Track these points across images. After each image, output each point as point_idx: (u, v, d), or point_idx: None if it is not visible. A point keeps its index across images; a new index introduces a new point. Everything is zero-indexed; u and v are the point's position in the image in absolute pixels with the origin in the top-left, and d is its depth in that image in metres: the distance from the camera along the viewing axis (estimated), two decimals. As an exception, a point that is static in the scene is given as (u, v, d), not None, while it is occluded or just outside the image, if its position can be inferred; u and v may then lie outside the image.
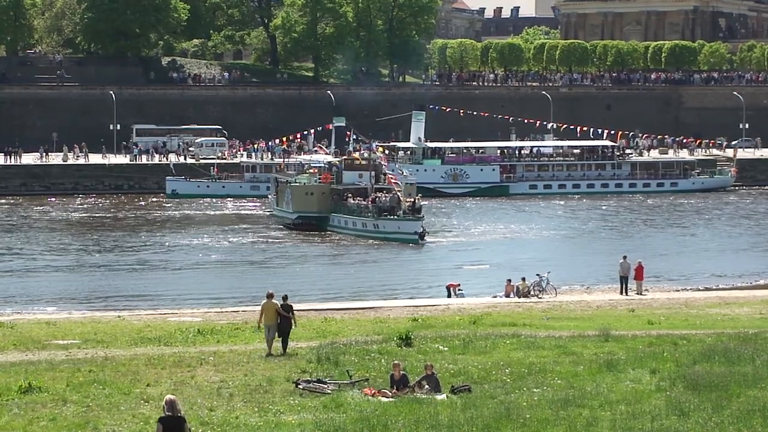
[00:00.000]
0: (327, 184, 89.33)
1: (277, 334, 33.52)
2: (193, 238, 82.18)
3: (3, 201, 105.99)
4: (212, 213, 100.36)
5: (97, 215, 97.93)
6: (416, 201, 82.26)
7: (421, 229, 79.14)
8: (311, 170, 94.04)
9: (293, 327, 33.95)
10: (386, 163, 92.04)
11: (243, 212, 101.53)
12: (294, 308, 34.48)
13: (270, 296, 34.10)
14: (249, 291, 58.15)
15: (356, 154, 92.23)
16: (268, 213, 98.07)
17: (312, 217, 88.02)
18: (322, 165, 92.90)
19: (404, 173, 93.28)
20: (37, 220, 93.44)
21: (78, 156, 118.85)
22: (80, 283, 62.77)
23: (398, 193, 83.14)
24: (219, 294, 58.71)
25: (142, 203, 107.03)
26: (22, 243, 79.21)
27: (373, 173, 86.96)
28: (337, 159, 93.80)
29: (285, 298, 34.51)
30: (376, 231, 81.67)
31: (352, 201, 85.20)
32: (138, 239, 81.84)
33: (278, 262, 72.39)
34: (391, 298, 55.18)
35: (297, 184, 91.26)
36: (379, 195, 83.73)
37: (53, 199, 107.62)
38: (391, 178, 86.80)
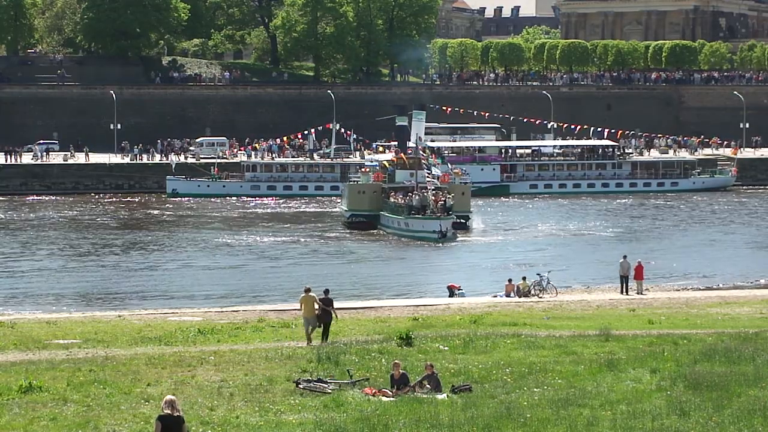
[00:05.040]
0: (378, 182, 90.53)
1: (316, 324, 35.40)
2: (270, 234, 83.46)
3: (3, 200, 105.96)
4: (284, 210, 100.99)
5: (98, 215, 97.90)
6: (447, 200, 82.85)
7: (440, 228, 79.51)
8: (363, 169, 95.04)
9: (335, 320, 35.88)
10: (437, 163, 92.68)
11: (317, 210, 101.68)
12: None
13: (307, 290, 35.82)
14: (260, 288, 58.31)
15: (403, 155, 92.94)
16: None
17: (363, 215, 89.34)
18: (375, 164, 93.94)
19: (460, 173, 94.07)
20: (37, 219, 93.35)
21: (37, 156, 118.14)
22: (81, 283, 62.74)
23: (428, 192, 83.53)
24: (232, 292, 58.76)
25: (150, 201, 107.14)
26: (23, 243, 79.18)
27: (422, 172, 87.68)
28: (387, 159, 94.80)
29: (326, 292, 36.47)
30: (407, 229, 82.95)
31: (392, 200, 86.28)
32: (148, 238, 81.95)
33: (303, 259, 72.45)
34: (401, 297, 55.18)
35: (352, 183, 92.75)
36: (411, 194, 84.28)
37: (53, 198, 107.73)
38: (445, 177, 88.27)
